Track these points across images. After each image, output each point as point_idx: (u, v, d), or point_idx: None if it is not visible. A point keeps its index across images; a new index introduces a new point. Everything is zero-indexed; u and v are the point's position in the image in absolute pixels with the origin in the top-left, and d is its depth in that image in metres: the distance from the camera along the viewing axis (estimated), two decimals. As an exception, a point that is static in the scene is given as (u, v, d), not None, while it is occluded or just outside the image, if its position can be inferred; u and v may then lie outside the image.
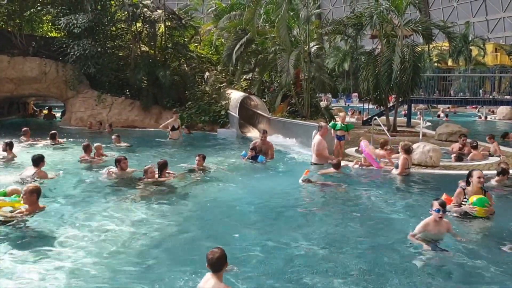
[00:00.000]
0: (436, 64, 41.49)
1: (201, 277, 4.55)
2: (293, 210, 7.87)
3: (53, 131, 14.95)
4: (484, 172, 10.62)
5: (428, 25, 19.23)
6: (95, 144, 12.26)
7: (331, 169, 10.69)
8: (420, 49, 19.52)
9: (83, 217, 7.07)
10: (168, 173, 9.68)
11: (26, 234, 6.22)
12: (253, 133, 19.35)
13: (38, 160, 9.37)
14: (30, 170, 9.29)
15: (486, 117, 30.15)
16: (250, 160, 11.91)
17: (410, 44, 18.29)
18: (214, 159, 12.27)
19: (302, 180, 9.45)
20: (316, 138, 11.50)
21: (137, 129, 20.89)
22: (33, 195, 6.78)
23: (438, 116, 30.41)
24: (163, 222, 6.94)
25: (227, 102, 20.72)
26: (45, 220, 6.76)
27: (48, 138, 14.65)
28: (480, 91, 24.43)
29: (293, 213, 7.66)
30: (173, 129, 16.87)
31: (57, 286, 4.78)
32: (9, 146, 11.63)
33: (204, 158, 10.82)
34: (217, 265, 4.36)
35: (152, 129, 20.41)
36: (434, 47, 36.26)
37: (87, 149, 11.77)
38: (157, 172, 9.45)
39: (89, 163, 11.40)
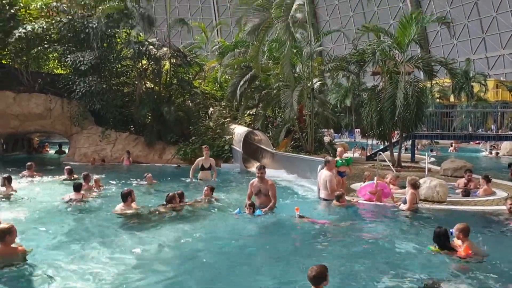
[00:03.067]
0: (438, 100, 41.78)
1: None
2: (297, 247, 7.72)
3: (69, 167, 15.02)
4: (493, 207, 10.58)
5: (430, 61, 19.43)
6: (95, 177, 13.05)
7: (335, 202, 10.62)
8: (422, 85, 19.68)
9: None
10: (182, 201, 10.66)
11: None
12: (257, 168, 19.28)
13: (126, 195, 9.66)
14: (119, 206, 9.67)
15: (497, 154, 29.65)
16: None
17: (413, 80, 18.44)
18: (218, 193, 12.19)
19: (294, 217, 9.33)
20: (326, 173, 11.39)
21: (143, 164, 20.81)
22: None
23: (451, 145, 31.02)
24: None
25: (231, 137, 20.77)
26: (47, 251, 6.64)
27: (66, 173, 14.59)
28: (481, 129, 24.40)
29: (297, 250, 7.50)
30: (202, 168, 15.14)
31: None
32: (7, 180, 11.59)
33: (212, 189, 11.50)
34: (315, 280, 4.98)
35: (157, 165, 20.35)
36: (436, 83, 36.59)
37: (86, 178, 12.55)
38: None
39: (87, 190, 11.96)
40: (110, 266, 6.44)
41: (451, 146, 32.58)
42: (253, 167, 19.67)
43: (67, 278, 5.95)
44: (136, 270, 6.32)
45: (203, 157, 15.28)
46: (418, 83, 18.81)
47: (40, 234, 8.16)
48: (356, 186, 13.63)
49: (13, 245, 6.42)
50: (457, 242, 6.91)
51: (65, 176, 14.49)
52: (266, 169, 10.53)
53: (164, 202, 10.35)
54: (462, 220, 7.65)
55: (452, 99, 43.13)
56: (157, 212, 9.90)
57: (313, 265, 5.12)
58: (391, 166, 14.52)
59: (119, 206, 9.72)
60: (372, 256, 7.03)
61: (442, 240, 6.91)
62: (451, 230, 6.99)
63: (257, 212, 9.62)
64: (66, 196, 11.14)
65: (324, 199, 11.36)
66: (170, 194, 10.46)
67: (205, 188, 11.51)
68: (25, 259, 6.40)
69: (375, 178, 11.47)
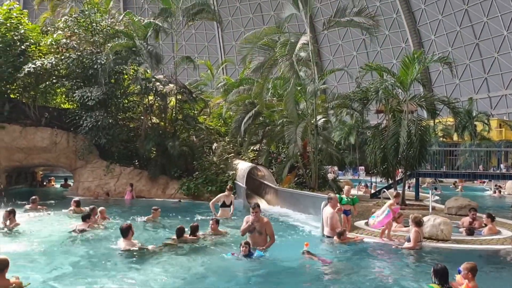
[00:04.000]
0: (441, 138, 41.89)
1: None
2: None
3: (77, 199, 15.32)
4: (498, 246, 10.46)
5: (433, 100, 19.62)
6: (100, 208, 13.37)
7: (336, 239, 10.55)
8: (425, 123, 19.80)
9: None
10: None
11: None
12: (260, 204, 19.15)
13: (127, 230, 9.57)
14: (123, 241, 9.58)
15: (499, 192, 29.31)
16: (244, 257, 8.89)
17: (416, 119, 18.58)
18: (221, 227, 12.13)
19: (302, 252, 9.24)
20: (328, 210, 11.38)
21: (143, 199, 20.78)
22: None
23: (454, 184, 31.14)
24: None
25: (234, 172, 20.79)
26: None
27: (73, 205, 14.77)
28: (480, 167, 24.33)
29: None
30: (223, 205, 14.73)
31: None
32: (12, 214, 11.65)
33: (217, 222, 11.55)
34: None
35: (159, 199, 20.31)
36: (439, 122, 36.81)
37: (93, 210, 12.87)
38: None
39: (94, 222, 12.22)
40: None
41: (453, 184, 32.33)
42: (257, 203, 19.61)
43: None
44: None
45: (226, 193, 14.97)
46: (421, 121, 18.94)
47: (41, 267, 8.13)
48: (360, 223, 13.54)
49: (10, 279, 6.36)
50: (459, 281, 6.79)
51: (72, 208, 14.60)
52: (260, 208, 10.17)
53: (174, 237, 10.42)
54: (466, 259, 7.55)
55: (455, 137, 43.23)
56: (165, 245, 9.98)
57: None
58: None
59: (121, 242, 9.66)
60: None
61: (440, 278, 6.79)
62: (459, 268, 6.87)
63: (257, 253, 8.96)
64: (73, 225, 11.57)
65: (328, 236, 11.29)
66: (180, 226, 10.58)
67: (211, 222, 11.53)
68: None
69: (386, 206, 11.43)
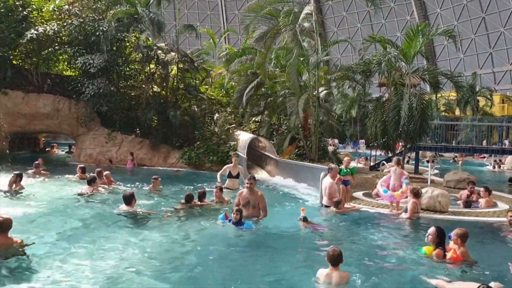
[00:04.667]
0: (443, 113, 41.77)
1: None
2: (298, 251, 7.82)
3: (82, 165, 15.53)
4: (494, 218, 10.65)
5: (436, 73, 19.50)
6: (105, 172, 13.97)
7: (333, 209, 10.73)
8: (428, 97, 19.73)
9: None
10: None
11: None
12: (261, 174, 19.37)
13: (130, 198, 9.79)
14: (125, 207, 9.81)
15: (498, 166, 29.42)
16: (233, 225, 8.91)
17: (418, 92, 18.53)
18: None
19: (299, 219, 9.40)
20: (328, 180, 11.50)
21: (145, 167, 20.96)
22: None
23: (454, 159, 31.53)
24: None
25: (235, 143, 20.89)
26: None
27: (78, 172, 14.95)
28: (483, 142, 24.37)
29: (297, 254, 7.62)
30: (230, 176, 14.17)
31: None
32: (19, 178, 11.83)
33: (221, 190, 11.92)
34: (336, 260, 5.82)
35: (161, 168, 20.49)
36: (441, 96, 36.63)
37: (99, 174, 13.30)
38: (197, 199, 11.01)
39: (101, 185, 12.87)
40: (108, 260, 6.65)
41: (453, 159, 32.45)
42: (257, 174, 19.79)
43: (64, 272, 6.09)
44: (130, 266, 6.47)
45: (231, 164, 14.42)
46: (423, 95, 18.89)
47: (44, 228, 8.35)
48: (358, 194, 13.74)
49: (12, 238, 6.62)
50: (452, 246, 6.99)
51: (77, 174, 14.80)
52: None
53: (183, 201, 10.80)
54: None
55: (457, 112, 43.12)
56: (173, 209, 10.45)
57: (333, 247, 6.01)
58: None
59: (123, 207, 9.84)
60: (368, 260, 7.10)
61: (438, 239, 7.01)
62: (449, 234, 7.08)
63: (248, 224, 8.89)
64: (79, 189, 12.14)
65: (326, 206, 11.46)
66: (189, 193, 11.04)
67: (215, 189, 11.74)
68: (24, 252, 6.54)
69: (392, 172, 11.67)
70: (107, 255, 6.92)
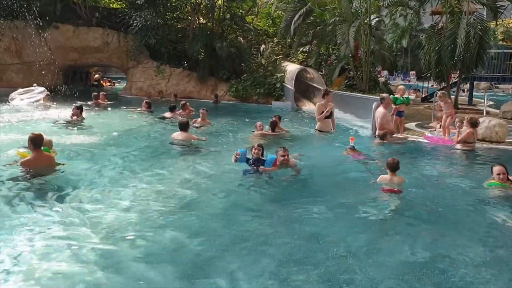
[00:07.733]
0: (501, 42, 39.25)
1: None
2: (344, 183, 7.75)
3: (148, 100, 15.85)
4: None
5: (497, -3, 18.18)
6: (182, 102, 15.25)
7: (378, 140, 10.58)
8: (486, 25, 18.51)
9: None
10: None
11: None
12: (308, 107, 19.25)
13: (186, 125, 10.07)
14: (181, 134, 10.03)
15: None
16: (250, 165, 7.65)
17: (477, 18, 17.41)
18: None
19: (347, 148, 9.29)
20: (380, 110, 11.21)
21: (193, 99, 21.23)
22: (30, 144, 6.79)
23: None
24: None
25: (282, 74, 20.67)
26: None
27: (144, 107, 15.17)
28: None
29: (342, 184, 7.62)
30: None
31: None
32: (80, 110, 12.39)
33: (280, 119, 12.13)
34: (394, 167, 6.89)
35: (208, 101, 20.69)
36: (501, 23, 34.25)
37: (183, 107, 14.64)
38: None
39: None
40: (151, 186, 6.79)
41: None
42: (305, 106, 19.68)
43: (93, 200, 6.02)
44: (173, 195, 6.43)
45: (322, 102, 11.65)
46: (482, 21, 17.74)
47: (99, 157, 8.48)
48: (411, 125, 13.47)
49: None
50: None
51: (143, 109, 15.11)
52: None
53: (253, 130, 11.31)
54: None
55: (517, 41, 40.38)
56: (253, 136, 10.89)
57: (392, 158, 7.06)
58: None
59: (177, 134, 10.09)
60: (423, 191, 6.99)
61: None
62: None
63: (269, 159, 7.63)
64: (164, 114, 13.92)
65: (377, 136, 11.30)
66: (273, 120, 11.37)
67: (273, 119, 11.56)
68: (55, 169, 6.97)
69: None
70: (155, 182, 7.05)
